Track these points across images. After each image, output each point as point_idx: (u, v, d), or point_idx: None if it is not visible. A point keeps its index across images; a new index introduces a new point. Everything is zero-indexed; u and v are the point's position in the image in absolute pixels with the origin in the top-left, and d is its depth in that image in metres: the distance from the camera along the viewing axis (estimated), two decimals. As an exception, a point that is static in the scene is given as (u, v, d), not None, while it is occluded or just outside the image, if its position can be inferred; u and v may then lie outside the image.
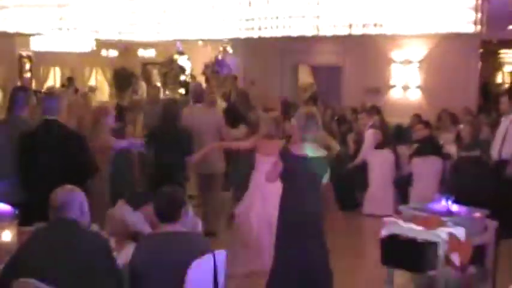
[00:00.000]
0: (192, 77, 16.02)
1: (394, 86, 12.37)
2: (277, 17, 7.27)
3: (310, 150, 4.54)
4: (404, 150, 8.89)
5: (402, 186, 8.48)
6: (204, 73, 15.80)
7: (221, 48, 15.90)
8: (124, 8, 6.94)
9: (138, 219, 4.20)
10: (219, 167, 7.15)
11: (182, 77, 16.21)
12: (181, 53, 16.30)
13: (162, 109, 6.57)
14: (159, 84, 17.43)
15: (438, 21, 7.31)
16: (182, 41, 14.88)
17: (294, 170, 4.51)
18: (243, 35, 8.84)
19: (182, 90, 15.88)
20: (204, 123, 6.97)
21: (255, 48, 13.61)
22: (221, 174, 7.27)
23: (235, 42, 14.37)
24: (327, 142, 6.93)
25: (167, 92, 16.68)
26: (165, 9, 6.81)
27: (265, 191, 5.61)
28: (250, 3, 5.87)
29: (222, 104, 9.43)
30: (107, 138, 5.84)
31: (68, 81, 14.79)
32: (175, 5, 6.67)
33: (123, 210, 4.27)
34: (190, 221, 4.36)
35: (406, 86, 12.23)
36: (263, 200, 5.69)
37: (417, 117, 9.70)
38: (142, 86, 15.04)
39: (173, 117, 6.41)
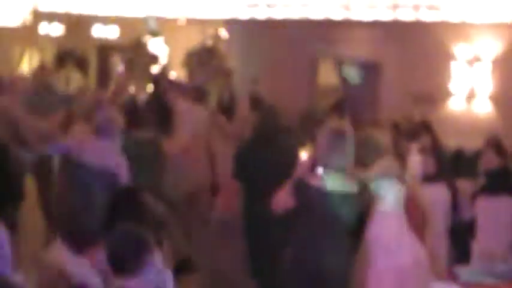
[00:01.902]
0: (166, 67, 16.12)
1: (454, 94, 12.43)
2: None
3: (336, 182, 4.59)
4: (465, 185, 8.90)
5: (461, 236, 8.48)
6: (186, 63, 15.87)
7: (212, 32, 16.00)
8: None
9: (82, 267, 4.20)
10: None
11: (154, 68, 16.29)
12: (154, 34, 16.38)
13: (259, 119, 6.56)
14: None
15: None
16: (158, 19, 14.98)
17: (309, 208, 4.56)
18: (243, 15, 8.90)
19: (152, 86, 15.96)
20: None
21: (259, 34, 13.69)
22: None
23: (231, 24, 14.45)
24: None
25: (132, 88, 16.72)
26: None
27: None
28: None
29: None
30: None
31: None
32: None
33: (60, 255, 4.27)
34: (157, 276, 4.35)
35: (472, 94, 12.29)
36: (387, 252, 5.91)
37: (490, 140, 9.68)
38: (74, 78, 15.14)
39: (274, 131, 6.39)
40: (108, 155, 6.20)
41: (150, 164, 6.82)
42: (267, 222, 5.87)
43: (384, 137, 6.78)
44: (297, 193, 4.60)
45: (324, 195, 4.56)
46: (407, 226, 6.27)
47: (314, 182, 4.61)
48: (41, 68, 15.90)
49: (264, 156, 6.18)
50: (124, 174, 6.14)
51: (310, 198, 4.56)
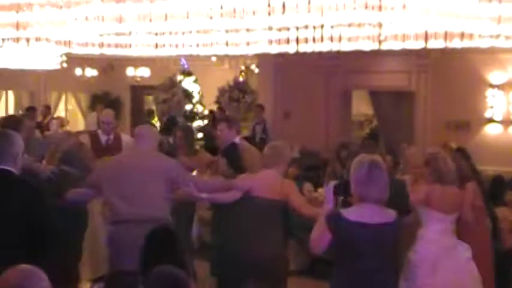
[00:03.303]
0: (202, 105, 16.23)
1: (491, 120, 12.41)
2: (322, 26, 7.33)
3: (374, 214, 4.57)
4: (505, 213, 8.82)
5: (502, 265, 8.39)
6: (218, 101, 15.97)
7: (243, 67, 16.10)
8: (107, 11, 7.00)
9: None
10: None
11: (188, 106, 16.40)
12: (186, 73, 16.53)
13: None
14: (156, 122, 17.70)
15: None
16: (188, 56, 15.10)
17: (351, 243, 4.53)
18: (273, 49, 8.97)
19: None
20: None
21: (290, 68, 13.77)
22: None
23: (262, 59, 14.55)
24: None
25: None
26: (165, 13, 6.84)
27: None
28: (284, 4, 5.91)
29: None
30: None
31: (28, 113, 15.03)
32: (180, 7, 6.70)
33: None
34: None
35: (508, 120, 12.23)
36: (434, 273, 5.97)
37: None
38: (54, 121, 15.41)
39: None
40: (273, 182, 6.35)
41: None
42: None
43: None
44: (332, 226, 4.56)
45: (363, 227, 4.52)
46: (455, 248, 6.21)
47: (350, 214, 4.57)
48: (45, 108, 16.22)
49: None
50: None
51: (349, 231, 4.52)
